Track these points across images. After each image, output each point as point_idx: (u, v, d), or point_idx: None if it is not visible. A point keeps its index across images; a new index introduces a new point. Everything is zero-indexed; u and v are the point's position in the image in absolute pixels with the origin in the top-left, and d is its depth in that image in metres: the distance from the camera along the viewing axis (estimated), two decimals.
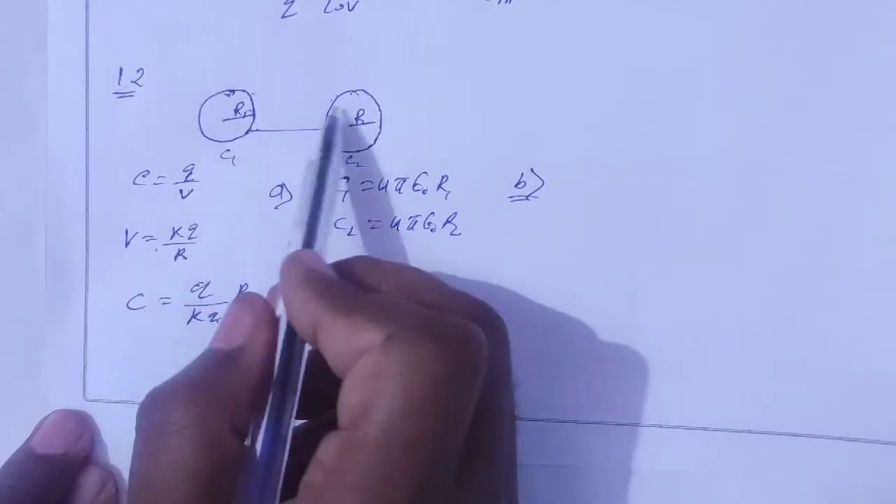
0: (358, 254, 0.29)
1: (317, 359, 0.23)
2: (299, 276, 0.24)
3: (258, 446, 0.23)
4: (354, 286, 0.24)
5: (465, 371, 0.21)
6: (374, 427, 0.20)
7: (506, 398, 0.24)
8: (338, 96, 0.30)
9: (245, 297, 0.25)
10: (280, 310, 0.25)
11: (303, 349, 0.24)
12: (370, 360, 0.21)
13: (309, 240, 0.26)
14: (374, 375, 0.21)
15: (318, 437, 0.22)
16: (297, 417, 0.24)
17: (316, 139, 0.28)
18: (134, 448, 0.23)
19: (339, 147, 0.28)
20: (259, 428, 0.23)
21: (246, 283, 0.30)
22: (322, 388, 0.23)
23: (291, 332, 0.24)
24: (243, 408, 0.23)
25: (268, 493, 0.22)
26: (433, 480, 0.21)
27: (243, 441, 0.23)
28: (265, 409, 0.23)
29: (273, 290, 0.25)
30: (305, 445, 0.22)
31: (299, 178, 0.30)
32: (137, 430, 0.23)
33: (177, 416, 0.22)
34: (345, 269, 0.25)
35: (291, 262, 0.25)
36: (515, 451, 0.26)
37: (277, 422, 0.23)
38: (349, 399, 0.21)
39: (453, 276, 0.29)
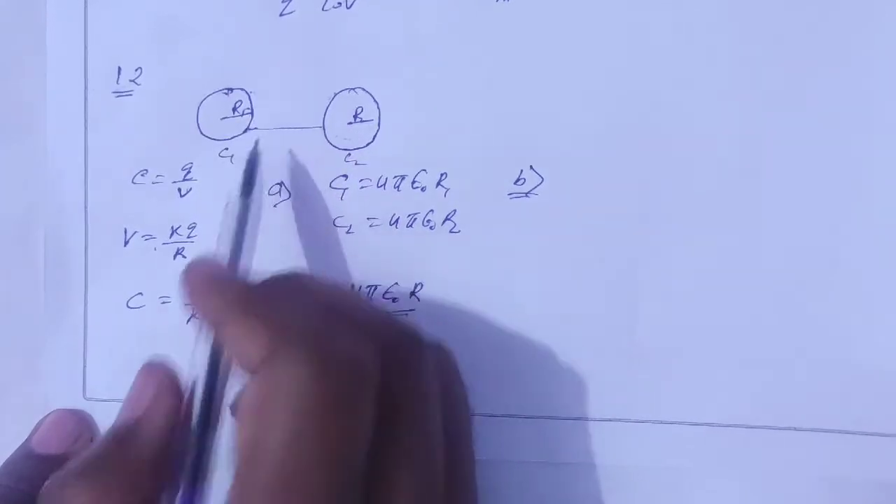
0: (357, 252, 0.29)
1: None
2: (201, 276, 0.24)
3: None
4: (256, 287, 0.24)
5: (343, 398, 0.20)
6: (261, 470, 0.20)
7: (428, 422, 0.23)
8: (336, 94, 0.30)
9: (148, 367, 0.25)
10: (189, 378, 0.24)
11: (217, 417, 0.24)
12: (255, 387, 0.21)
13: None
14: (257, 409, 0.20)
15: None
16: None
17: (237, 175, 0.28)
18: None
19: (260, 184, 0.28)
20: (177, 493, 0.23)
21: None
22: None
23: (206, 398, 0.24)
24: (146, 481, 0.23)
25: None
26: None
27: None
28: (179, 475, 0.23)
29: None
30: None
31: (298, 177, 0.30)
32: None
33: (76, 496, 0.22)
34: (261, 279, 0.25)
35: (192, 265, 0.25)
36: (460, 476, 0.24)
37: (193, 483, 0.23)
38: (239, 439, 0.21)
39: (452, 274, 0.29)
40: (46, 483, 0.23)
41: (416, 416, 0.23)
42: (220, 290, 0.23)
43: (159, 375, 0.24)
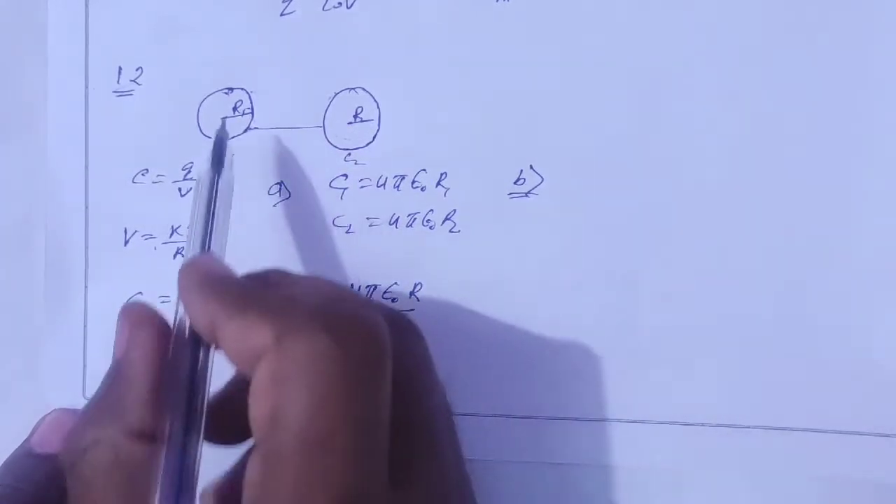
0: (357, 252, 0.29)
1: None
2: (195, 277, 0.24)
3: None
4: (251, 284, 0.24)
5: (365, 361, 0.21)
6: (287, 434, 0.20)
7: (432, 395, 0.24)
8: (336, 94, 0.30)
9: (124, 308, 0.25)
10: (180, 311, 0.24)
11: (206, 352, 0.24)
12: (267, 366, 0.20)
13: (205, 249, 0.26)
14: (275, 382, 0.20)
15: None
16: (234, 442, 0.24)
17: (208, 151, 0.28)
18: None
19: (230, 160, 0.28)
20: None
21: None
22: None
23: (192, 335, 0.24)
24: (138, 412, 0.23)
25: (185, 496, 0.22)
26: (362, 479, 0.20)
27: (155, 442, 0.23)
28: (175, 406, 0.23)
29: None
30: None
31: (298, 176, 0.30)
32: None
33: (80, 442, 0.23)
34: (252, 276, 0.25)
35: (187, 266, 0.24)
36: (459, 452, 0.25)
37: (186, 420, 0.23)
38: (256, 412, 0.21)
39: (452, 274, 0.29)
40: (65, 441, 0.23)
41: (424, 386, 0.23)
42: (213, 291, 0.23)
43: (132, 315, 0.24)
